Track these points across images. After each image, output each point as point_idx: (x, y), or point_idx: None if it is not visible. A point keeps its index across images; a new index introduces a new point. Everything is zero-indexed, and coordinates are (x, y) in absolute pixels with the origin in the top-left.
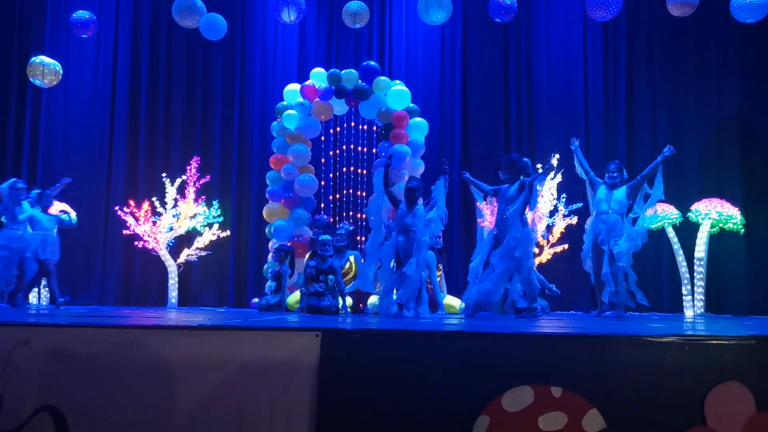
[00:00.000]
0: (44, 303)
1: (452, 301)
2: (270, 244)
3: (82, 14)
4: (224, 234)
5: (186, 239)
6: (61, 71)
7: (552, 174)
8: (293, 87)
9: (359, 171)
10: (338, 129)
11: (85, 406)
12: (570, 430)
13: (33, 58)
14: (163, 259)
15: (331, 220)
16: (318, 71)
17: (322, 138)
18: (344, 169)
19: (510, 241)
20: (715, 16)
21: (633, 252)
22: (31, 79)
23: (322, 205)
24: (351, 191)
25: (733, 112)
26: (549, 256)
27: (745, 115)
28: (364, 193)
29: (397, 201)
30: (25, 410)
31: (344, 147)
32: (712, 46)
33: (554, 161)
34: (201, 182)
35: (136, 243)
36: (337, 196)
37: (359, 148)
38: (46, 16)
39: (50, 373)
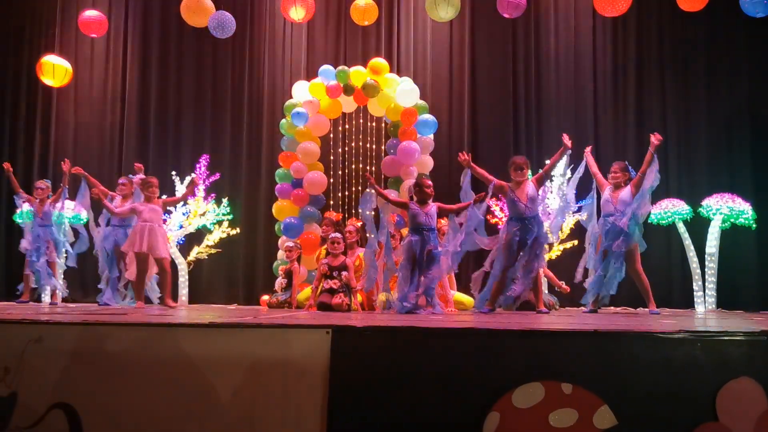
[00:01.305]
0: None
1: (462, 298)
2: (280, 241)
3: (91, 13)
4: (234, 231)
5: (196, 237)
6: (71, 70)
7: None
8: (302, 84)
9: (368, 168)
10: (347, 126)
11: (98, 403)
12: (581, 427)
13: (43, 58)
14: (173, 256)
15: (340, 217)
16: (326, 68)
17: (331, 135)
18: (353, 166)
19: (541, 240)
20: (725, 10)
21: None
22: (41, 79)
23: (331, 202)
24: (360, 188)
25: (743, 106)
26: (559, 252)
27: (755, 109)
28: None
29: (404, 203)
30: (40, 408)
31: (353, 144)
32: (721, 40)
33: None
34: (210, 180)
35: None
36: (346, 193)
37: (368, 145)
38: (56, 15)
39: (63, 370)
